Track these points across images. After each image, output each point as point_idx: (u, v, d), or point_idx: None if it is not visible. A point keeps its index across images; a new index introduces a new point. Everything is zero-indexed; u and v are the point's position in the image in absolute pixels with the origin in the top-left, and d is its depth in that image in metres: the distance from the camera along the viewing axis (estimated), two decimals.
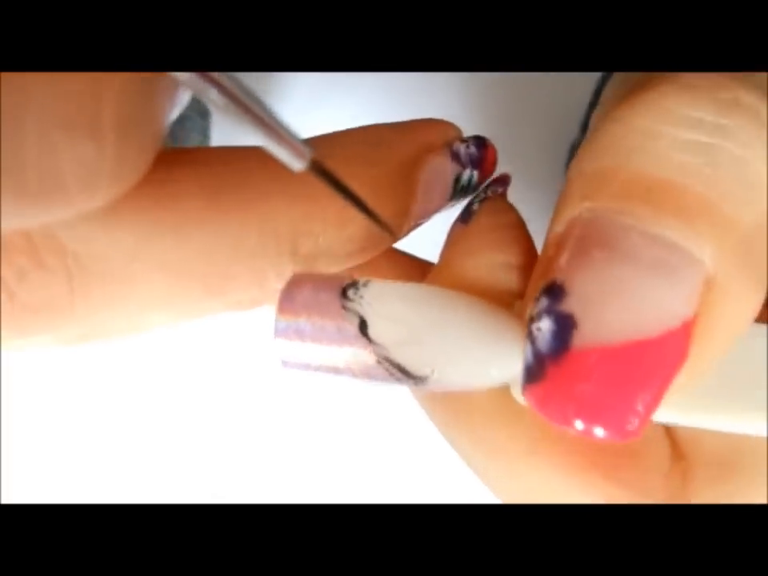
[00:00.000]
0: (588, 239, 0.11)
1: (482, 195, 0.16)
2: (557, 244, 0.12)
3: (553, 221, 0.12)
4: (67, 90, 0.09)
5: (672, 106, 0.11)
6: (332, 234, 0.14)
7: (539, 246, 0.14)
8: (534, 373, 0.11)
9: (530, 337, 0.12)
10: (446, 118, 0.16)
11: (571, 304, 0.11)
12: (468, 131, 0.17)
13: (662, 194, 0.11)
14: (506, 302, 0.14)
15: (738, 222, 0.11)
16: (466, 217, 0.16)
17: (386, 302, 0.13)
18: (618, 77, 0.19)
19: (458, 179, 0.16)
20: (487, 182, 0.17)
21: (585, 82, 0.26)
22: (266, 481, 0.34)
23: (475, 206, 0.16)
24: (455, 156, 0.16)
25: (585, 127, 0.27)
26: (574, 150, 0.29)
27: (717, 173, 0.11)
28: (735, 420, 0.13)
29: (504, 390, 0.13)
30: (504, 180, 0.17)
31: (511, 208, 0.16)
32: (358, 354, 0.13)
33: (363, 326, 0.13)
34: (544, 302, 0.11)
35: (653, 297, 0.11)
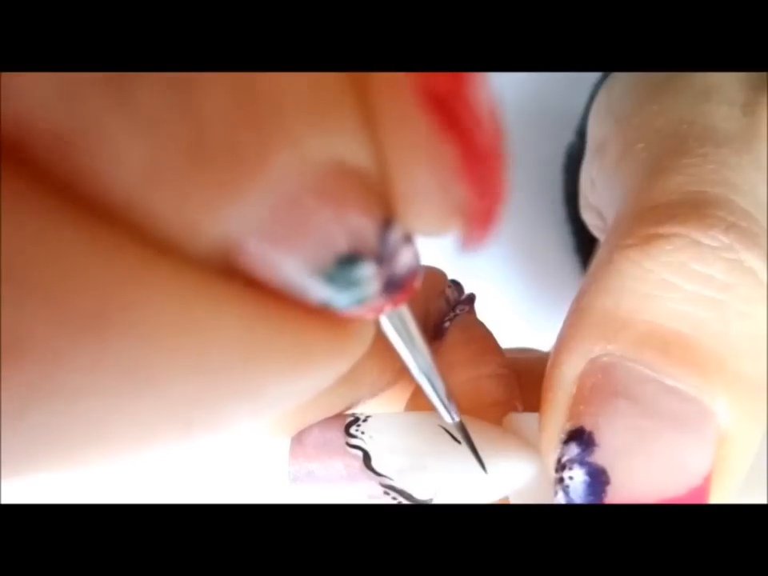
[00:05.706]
0: (611, 387, 0.12)
1: (452, 314, 0.18)
2: (579, 386, 0.13)
3: (567, 349, 0.13)
4: None
5: (686, 260, 0.12)
6: (384, 380, 0.16)
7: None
8: None
9: (561, 484, 0.12)
10: None
11: (602, 457, 0.12)
12: None
13: (677, 348, 0.12)
14: (493, 413, 0.15)
15: (746, 375, 0.12)
16: (439, 334, 0.17)
17: (386, 434, 0.14)
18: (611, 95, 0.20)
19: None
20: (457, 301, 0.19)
21: (581, 86, 0.26)
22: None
23: (446, 324, 0.17)
24: (447, 300, 0.18)
25: (580, 131, 0.27)
26: (570, 154, 0.29)
27: (727, 328, 0.12)
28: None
29: None
30: (470, 299, 0.18)
31: (480, 323, 0.17)
32: (366, 487, 0.14)
33: (367, 459, 0.14)
34: (574, 450, 0.12)
35: (676, 454, 0.12)
